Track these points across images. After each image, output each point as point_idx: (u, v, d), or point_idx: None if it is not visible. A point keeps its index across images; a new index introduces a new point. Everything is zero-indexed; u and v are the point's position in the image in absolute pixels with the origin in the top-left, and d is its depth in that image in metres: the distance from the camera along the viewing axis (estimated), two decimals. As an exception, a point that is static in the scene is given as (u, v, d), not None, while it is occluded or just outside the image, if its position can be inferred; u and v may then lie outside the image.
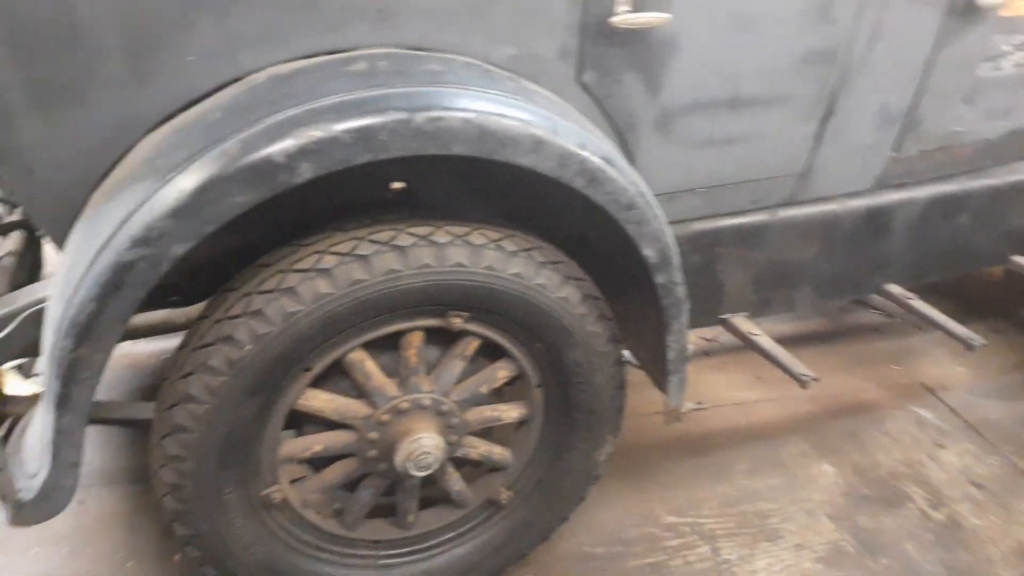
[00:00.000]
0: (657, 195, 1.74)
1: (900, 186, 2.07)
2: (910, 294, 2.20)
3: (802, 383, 1.88)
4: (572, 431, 1.70)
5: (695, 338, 2.76)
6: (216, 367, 1.30)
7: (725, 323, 2.07)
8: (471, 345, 1.56)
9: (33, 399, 1.40)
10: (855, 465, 2.26)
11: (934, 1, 1.79)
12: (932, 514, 2.11)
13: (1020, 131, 2.18)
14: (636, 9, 1.45)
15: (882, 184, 2.04)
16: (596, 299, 1.58)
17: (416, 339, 1.50)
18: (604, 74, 1.52)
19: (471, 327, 1.52)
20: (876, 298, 2.27)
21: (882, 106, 1.87)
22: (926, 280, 2.30)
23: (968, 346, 2.12)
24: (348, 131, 1.15)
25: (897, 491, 2.19)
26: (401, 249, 1.35)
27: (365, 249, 1.33)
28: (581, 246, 1.64)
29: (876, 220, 2.06)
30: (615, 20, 1.43)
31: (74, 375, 1.18)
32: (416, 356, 1.51)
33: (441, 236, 1.38)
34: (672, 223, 1.82)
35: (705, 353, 2.76)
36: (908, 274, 2.22)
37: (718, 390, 2.56)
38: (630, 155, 1.65)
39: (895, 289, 2.20)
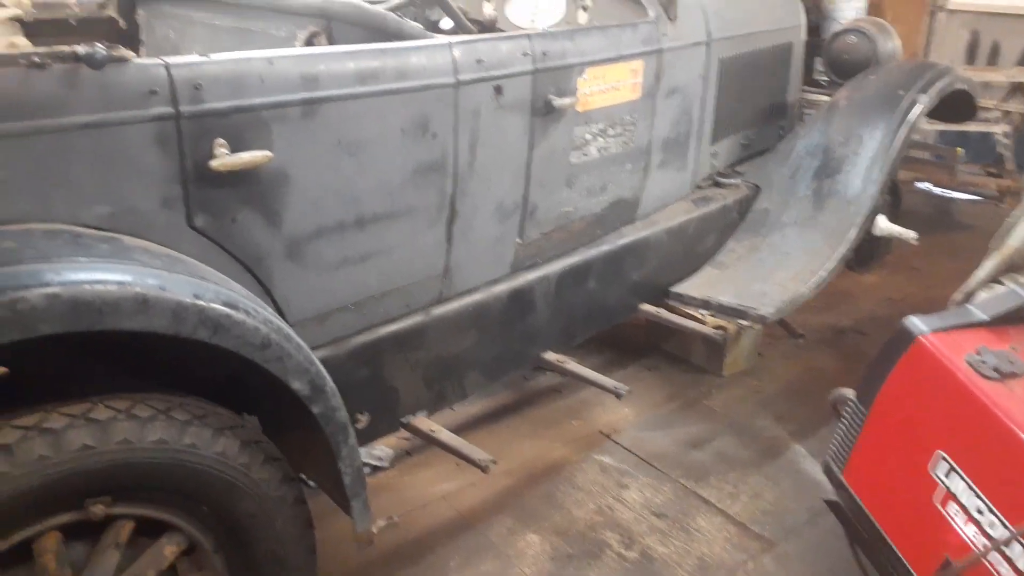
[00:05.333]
0: (306, 320, 1.75)
1: (532, 266, 2.29)
2: (564, 357, 2.43)
3: (482, 468, 1.96)
4: (264, 587, 1.58)
5: (395, 440, 2.77)
6: None
7: (407, 426, 2.10)
8: (124, 529, 1.40)
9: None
10: (556, 527, 2.40)
11: (519, 108, 2.03)
12: (627, 554, 2.30)
13: (618, 201, 2.55)
14: (234, 150, 1.45)
15: (517, 267, 2.24)
16: (259, 443, 1.51)
17: (50, 542, 1.31)
18: (217, 216, 1.49)
19: (119, 510, 1.36)
20: (546, 362, 2.47)
21: (498, 203, 2.07)
22: (576, 342, 2.56)
23: (617, 395, 2.38)
24: None
25: (595, 541, 2.35)
26: (6, 448, 1.17)
27: (-50, 459, 1.14)
28: (242, 386, 1.57)
29: (519, 300, 2.25)
30: (215, 164, 1.42)
31: None
32: (55, 560, 1.31)
33: (55, 421, 1.23)
34: (329, 343, 1.84)
35: (407, 452, 2.77)
36: (558, 340, 2.45)
37: (424, 487, 2.58)
38: (266, 289, 1.63)
39: (551, 356, 2.41)
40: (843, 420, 1.86)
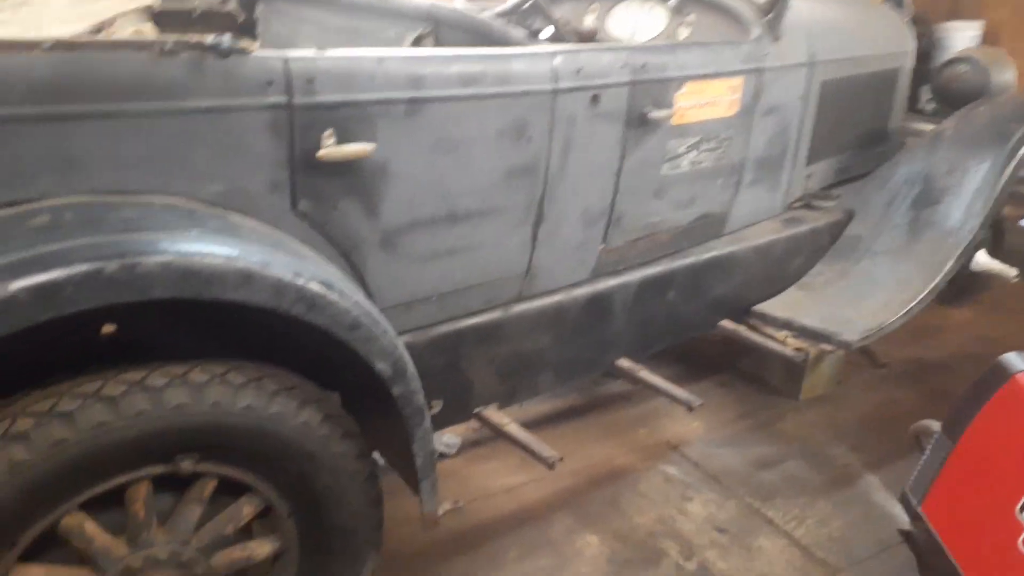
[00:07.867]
0: (393, 307, 1.83)
1: (614, 273, 2.31)
2: (638, 366, 2.44)
3: (549, 465, 2.00)
4: (332, 556, 1.67)
5: (464, 429, 2.84)
6: None
7: (478, 416, 2.16)
8: (208, 486, 1.50)
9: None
10: (616, 531, 2.42)
11: (614, 117, 2.06)
12: (685, 565, 2.30)
13: (706, 215, 2.55)
14: (340, 142, 1.53)
15: (598, 273, 2.27)
16: (339, 417, 1.59)
17: (141, 490, 1.42)
18: (319, 202, 1.58)
19: (204, 468, 1.46)
20: (620, 369, 2.49)
21: (585, 208, 2.11)
22: (651, 351, 2.56)
23: (688, 407, 2.38)
24: (26, 289, 1.10)
25: (654, 549, 2.36)
26: (111, 399, 1.28)
27: (68, 404, 1.26)
28: (326, 364, 1.65)
29: (598, 305, 2.28)
30: (321, 153, 1.51)
31: None
32: (144, 508, 1.42)
33: (157, 379, 1.33)
34: (412, 331, 1.91)
35: (475, 443, 2.84)
36: (634, 348, 2.46)
37: (488, 479, 2.64)
38: (358, 275, 1.71)
39: (625, 363, 2.43)
40: (926, 452, 1.82)
